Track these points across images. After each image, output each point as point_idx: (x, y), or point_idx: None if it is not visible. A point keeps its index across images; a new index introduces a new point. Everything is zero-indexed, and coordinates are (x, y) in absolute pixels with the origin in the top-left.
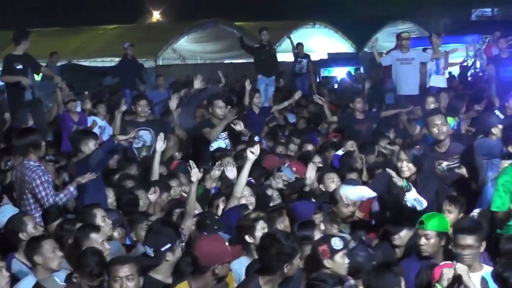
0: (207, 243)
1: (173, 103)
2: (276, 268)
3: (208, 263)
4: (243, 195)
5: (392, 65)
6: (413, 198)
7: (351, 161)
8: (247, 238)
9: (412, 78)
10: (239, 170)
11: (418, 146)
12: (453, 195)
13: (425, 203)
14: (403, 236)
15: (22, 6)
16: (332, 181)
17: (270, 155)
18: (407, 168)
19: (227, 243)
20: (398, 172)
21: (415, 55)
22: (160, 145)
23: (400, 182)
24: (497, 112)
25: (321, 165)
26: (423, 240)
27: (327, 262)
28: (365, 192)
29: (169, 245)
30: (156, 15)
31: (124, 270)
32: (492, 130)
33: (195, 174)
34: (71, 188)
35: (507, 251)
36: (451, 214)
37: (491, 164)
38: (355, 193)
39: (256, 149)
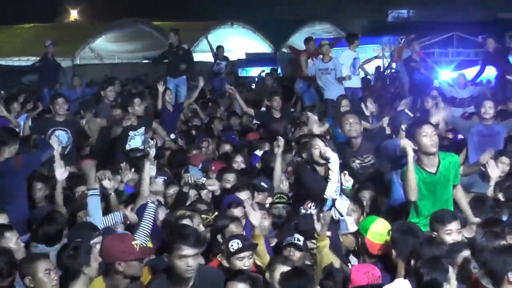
0: (110, 241)
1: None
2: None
3: (108, 260)
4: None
5: (316, 74)
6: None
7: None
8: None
9: (335, 88)
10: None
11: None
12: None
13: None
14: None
15: None
16: None
17: (195, 153)
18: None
19: (133, 242)
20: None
21: (334, 65)
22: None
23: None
24: (406, 110)
25: (243, 165)
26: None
27: (224, 262)
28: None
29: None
30: (74, 14)
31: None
32: (402, 127)
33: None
34: None
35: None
36: (355, 214)
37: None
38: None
39: (152, 149)
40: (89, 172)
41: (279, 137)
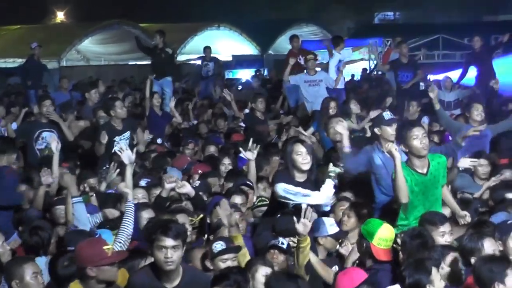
0: (81, 246)
1: None
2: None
3: (80, 264)
4: (136, 197)
5: (300, 85)
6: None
7: (261, 163)
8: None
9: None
10: None
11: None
12: (344, 195)
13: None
14: None
15: None
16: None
17: (180, 155)
18: (308, 160)
19: (105, 247)
20: (298, 165)
21: (322, 77)
22: (55, 146)
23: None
24: (384, 113)
25: (230, 167)
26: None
27: (209, 264)
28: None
29: None
30: (60, 16)
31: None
32: (375, 130)
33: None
34: None
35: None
36: (351, 219)
37: (372, 174)
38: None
39: (128, 153)
40: (70, 183)
41: (250, 144)
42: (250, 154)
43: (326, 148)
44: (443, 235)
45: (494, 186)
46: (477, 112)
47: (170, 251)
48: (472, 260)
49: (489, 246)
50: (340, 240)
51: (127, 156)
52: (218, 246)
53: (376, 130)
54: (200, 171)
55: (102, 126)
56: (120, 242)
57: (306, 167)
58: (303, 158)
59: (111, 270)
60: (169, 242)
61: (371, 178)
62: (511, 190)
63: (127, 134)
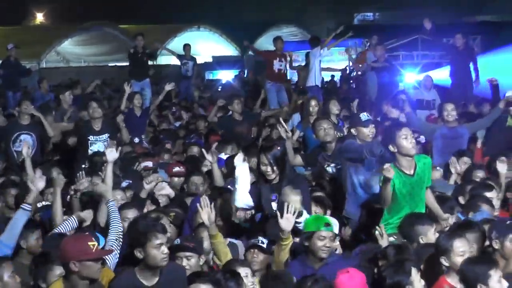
0: (67, 240)
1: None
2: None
3: (64, 260)
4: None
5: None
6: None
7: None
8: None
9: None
10: None
11: (278, 147)
12: (318, 195)
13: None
14: None
15: None
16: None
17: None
18: (272, 171)
19: (90, 243)
20: (265, 176)
21: None
22: (25, 151)
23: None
24: (361, 114)
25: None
26: (328, 242)
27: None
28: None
29: None
30: (40, 17)
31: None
32: (352, 131)
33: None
34: None
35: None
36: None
37: (355, 168)
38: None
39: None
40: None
41: (212, 148)
42: (210, 157)
43: (310, 146)
44: (435, 234)
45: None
46: (448, 112)
47: (164, 246)
48: (442, 260)
49: (459, 247)
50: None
51: (111, 153)
52: (175, 242)
53: (352, 130)
54: (174, 170)
55: (81, 124)
56: (113, 241)
57: (271, 177)
58: (266, 169)
59: (94, 266)
60: (164, 238)
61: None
62: (487, 189)
63: (105, 136)
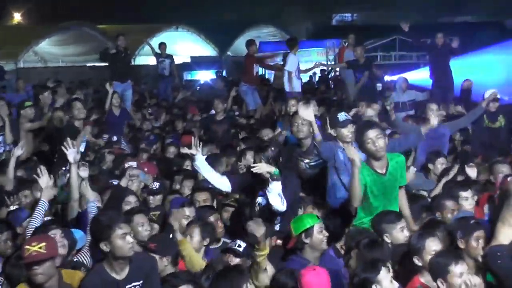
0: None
1: None
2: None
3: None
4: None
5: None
6: (277, 192)
7: (217, 163)
8: None
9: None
10: None
11: (272, 148)
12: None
13: (285, 205)
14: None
15: None
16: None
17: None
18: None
19: (26, 246)
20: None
21: None
22: (18, 152)
23: (272, 169)
24: (339, 114)
25: (189, 167)
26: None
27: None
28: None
29: None
30: (17, 17)
31: None
32: (331, 132)
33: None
34: None
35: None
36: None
37: (333, 168)
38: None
39: (73, 152)
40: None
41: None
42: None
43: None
44: (403, 230)
45: (448, 183)
46: (431, 112)
47: (129, 236)
48: (415, 260)
49: (431, 246)
50: None
51: (72, 154)
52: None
53: (331, 131)
54: (146, 169)
55: (65, 129)
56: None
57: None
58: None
59: (48, 266)
60: (127, 228)
61: (331, 173)
62: (464, 188)
63: (87, 136)
